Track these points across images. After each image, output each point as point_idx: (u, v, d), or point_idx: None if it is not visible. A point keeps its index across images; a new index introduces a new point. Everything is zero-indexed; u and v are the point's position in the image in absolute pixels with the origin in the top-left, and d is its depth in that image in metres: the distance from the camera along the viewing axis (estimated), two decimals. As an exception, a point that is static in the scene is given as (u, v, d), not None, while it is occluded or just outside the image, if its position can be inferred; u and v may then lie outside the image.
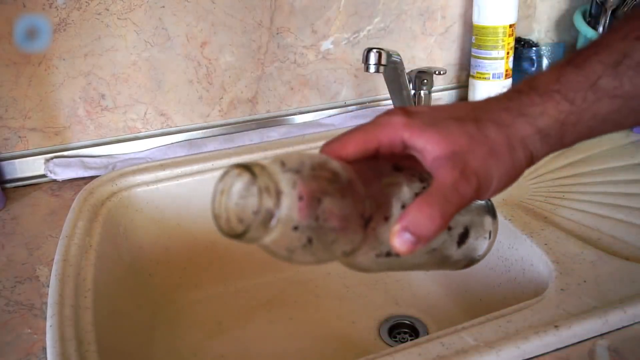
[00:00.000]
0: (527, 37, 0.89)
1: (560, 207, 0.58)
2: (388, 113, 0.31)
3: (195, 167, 0.69)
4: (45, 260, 0.55)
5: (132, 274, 0.63)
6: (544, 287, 0.47)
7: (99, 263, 0.53)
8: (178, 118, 0.76)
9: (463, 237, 0.34)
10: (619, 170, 0.66)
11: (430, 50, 0.85)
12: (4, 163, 0.70)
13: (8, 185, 0.71)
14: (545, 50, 0.88)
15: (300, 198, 0.26)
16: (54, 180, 0.71)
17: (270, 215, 0.25)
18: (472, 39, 0.82)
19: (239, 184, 0.28)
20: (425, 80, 0.72)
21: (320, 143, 0.75)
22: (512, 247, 0.54)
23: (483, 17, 0.79)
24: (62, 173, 0.70)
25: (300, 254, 0.27)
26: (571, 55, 0.32)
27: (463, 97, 0.90)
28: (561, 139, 0.31)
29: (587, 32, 0.80)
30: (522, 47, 0.86)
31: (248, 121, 0.80)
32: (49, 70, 0.68)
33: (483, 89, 0.83)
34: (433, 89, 0.74)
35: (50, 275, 0.50)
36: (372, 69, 0.60)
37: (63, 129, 0.72)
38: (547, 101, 0.30)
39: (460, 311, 0.64)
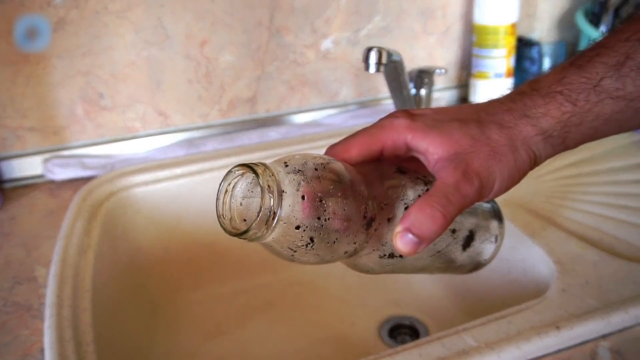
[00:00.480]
0: (528, 36, 0.89)
1: (561, 207, 0.58)
2: (391, 116, 0.32)
3: (195, 167, 0.69)
4: (44, 260, 0.54)
5: (131, 275, 0.63)
6: (546, 287, 0.46)
7: (97, 263, 0.53)
8: (177, 118, 0.76)
9: (468, 240, 0.34)
10: (621, 170, 0.66)
11: (431, 49, 0.85)
12: (2, 163, 0.70)
13: (6, 185, 0.70)
14: (546, 49, 0.88)
15: (303, 197, 0.26)
16: (52, 180, 0.71)
17: (272, 214, 0.26)
18: (473, 38, 0.82)
19: (243, 183, 0.28)
20: (425, 80, 0.72)
21: (320, 143, 0.75)
22: (513, 247, 0.54)
23: (484, 16, 0.79)
24: (61, 173, 0.70)
25: (303, 253, 0.27)
26: (574, 56, 0.32)
27: (464, 96, 0.90)
28: (564, 140, 0.31)
29: (589, 31, 0.79)
30: (523, 46, 0.86)
31: (247, 121, 0.79)
32: (47, 70, 0.68)
33: (484, 89, 0.83)
34: (434, 88, 0.74)
35: (48, 275, 0.50)
36: (373, 68, 0.60)
37: (61, 128, 0.71)
38: (550, 102, 0.30)
39: (461, 312, 0.64)
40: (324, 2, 0.76)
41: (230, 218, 0.28)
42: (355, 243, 0.29)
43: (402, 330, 0.63)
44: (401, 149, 0.31)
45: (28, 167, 0.71)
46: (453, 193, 0.28)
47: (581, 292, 0.44)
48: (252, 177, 0.27)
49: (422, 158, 0.31)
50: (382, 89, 0.83)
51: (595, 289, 0.45)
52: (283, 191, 0.26)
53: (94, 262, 0.53)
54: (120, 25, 0.69)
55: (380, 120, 0.32)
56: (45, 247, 0.57)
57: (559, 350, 0.40)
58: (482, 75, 0.82)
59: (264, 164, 0.27)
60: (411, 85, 0.72)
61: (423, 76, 0.72)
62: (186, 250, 0.69)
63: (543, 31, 0.92)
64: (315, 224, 0.26)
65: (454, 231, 0.33)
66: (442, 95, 0.89)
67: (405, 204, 0.30)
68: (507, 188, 0.31)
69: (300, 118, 0.82)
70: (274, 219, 0.26)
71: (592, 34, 0.79)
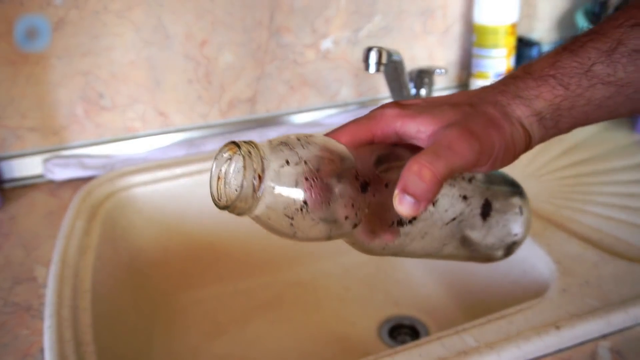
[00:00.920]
0: (528, 36, 0.89)
1: (562, 207, 0.58)
2: (382, 106, 0.32)
3: (194, 167, 0.69)
4: (43, 260, 0.54)
5: (131, 275, 0.63)
6: (546, 287, 0.46)
7: (97, 264, 0.53)
8: (177, 118, 0.76)
9: (486, 209, 0.33)
10: (622, 170, 0.66)
11: (431, 49, 0.85)
12: (2, 163, 0.70)
13: (6, 185, 0.70)
14: (546, 49, 0.88)
15: (287, 162, 0.26)
16: (52, 180, 0.71)
17: (258, 178, 0.26)
18: (473, 38, 0.82)
19: (229, 157, 0.29)
20: (426, 80, 0.72)
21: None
22: (513, 247, 0.54)
23: (484, 16, 0.79)
24: (61, 173, 0.70)
25: (301, 219, 0.27)
26: (568, 41, 0.32)
27: (463, 96, 0.89)
28: (557, 124, 0.31)
29: (589, 31, 0.79)
30: (523, 46, 0.86)
31: (247, 121, 0.79)
32: (46, 70, 0.68)
33: (484, 88, 0.82)
34: (434, 88, 0.74)
35: (48, 275, 0.50)
36: (373, 68, 0.60)
37: (61, 128, 0.71)
38: (542, 85, 0.31)
39: (461, 312, 0.63)
40: (324, 2, 0.76)
41: (223, 194, 0.29)
42: (353, 206, 0.28)
43: (402, 330, 0.63)
44: (391, 138, 0.31)
45: (28, 167, 0.71)
46: (443, 149, 0.27)
47: (581, 292, 0.44)
48: (236, 149, 0.28)
49: (415, 142, 0.30)
50: (382, 89, 0.83)
51: (595, 289, 0.45)
52: (265, 157, 0.26)
53: (93, 262, 0.53)
54: (120, 25, 0.69)
55: (371, 111, 0.32)
56: (45, 247, 0.57)
57: (559, 350, 0.40)
58: (482, 75, 0.82)
59: (247, 141, 0.27)
60: (411, 85, 0.71)
61: (423, 76, 0.72)
62: (186, 250, 0.69)
63: (543, 31, 0.92)
64: (305, 185, 0.27)
65: (465, 197, 0.32)
66: (442, 95, 0.88)
67: (400, 169, 0.29)
68: (502, 162, 0.30)
69: (300, 118, 0.81)
70: (260, 183, 0.26)
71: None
